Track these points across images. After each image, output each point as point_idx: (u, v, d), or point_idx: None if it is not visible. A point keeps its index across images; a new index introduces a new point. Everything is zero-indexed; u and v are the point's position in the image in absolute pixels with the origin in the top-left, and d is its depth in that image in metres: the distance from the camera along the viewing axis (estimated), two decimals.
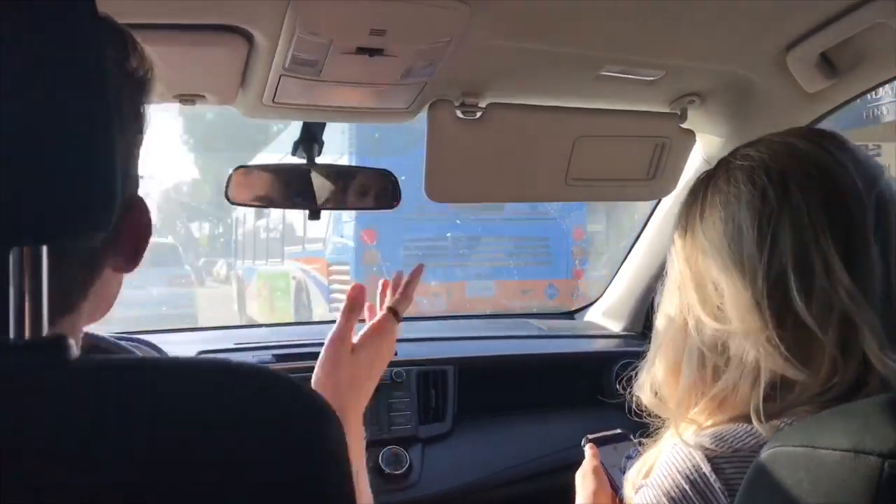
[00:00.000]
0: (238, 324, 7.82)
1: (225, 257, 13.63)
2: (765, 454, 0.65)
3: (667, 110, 1.47)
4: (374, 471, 1.64)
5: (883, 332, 0.76)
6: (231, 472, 0.44)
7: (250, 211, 9.73)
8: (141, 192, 0.63)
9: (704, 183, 0.88)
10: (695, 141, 1.55)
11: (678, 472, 0.78)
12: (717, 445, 0.77)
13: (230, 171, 1.41)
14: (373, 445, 1.67)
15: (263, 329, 2.65)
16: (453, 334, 2.03)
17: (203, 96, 1.25)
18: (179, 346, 1.76)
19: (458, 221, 7.82)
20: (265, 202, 1.45)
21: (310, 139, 1.43)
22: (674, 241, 0.90)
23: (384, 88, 1.24)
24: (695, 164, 1.62)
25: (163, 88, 1.22)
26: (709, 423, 0.82)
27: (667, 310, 0.89)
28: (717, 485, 0.75)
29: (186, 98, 1.24)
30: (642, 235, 2.00)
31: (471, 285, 7.78)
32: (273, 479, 0.45)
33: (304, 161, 1.44)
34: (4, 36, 0.42)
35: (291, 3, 0.99)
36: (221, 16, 1.04)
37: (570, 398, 1.88)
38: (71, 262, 0.53)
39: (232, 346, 1.85)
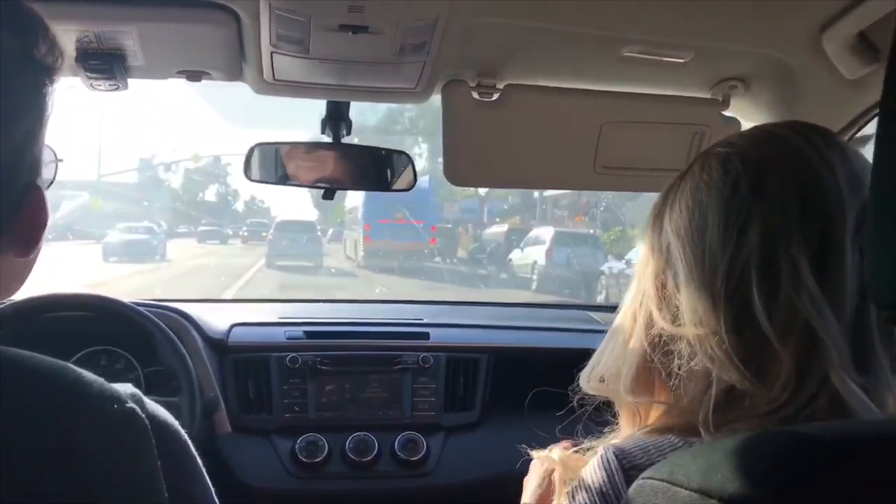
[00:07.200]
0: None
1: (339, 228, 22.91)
2: (634, 484, 0.60)
3: (707, 96, 1.34)
4: (390, 455, 1.62)
5: (848, 350, 0.67)
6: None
7: (349, 202, 18.52)
8: None
9: (686, 169, 0.79)
10: (739, 130, 1.41)
11: (593, 480, 0.71)
12: (638, 457, 0.70)
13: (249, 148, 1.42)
14: (391, 430, 1.65)
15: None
16: (494, 322, 1.96)
17: (208, 73, 1.25)
18: (217, 315, 1.80)
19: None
20: (282, 180, 1.44)
21: (336, 117, 1.41)
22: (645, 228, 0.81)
23: (382, 67, 1.20)
24: None
25: (164, 65, 1.25)
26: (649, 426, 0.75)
27: (625, 300, 0.81)
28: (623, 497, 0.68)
29: (191, 74, 1.25)
30: None
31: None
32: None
33: (326, 140, 1.42)
34: None
35: None
36: None
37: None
38: None
39: (273, 319, 1.88)
